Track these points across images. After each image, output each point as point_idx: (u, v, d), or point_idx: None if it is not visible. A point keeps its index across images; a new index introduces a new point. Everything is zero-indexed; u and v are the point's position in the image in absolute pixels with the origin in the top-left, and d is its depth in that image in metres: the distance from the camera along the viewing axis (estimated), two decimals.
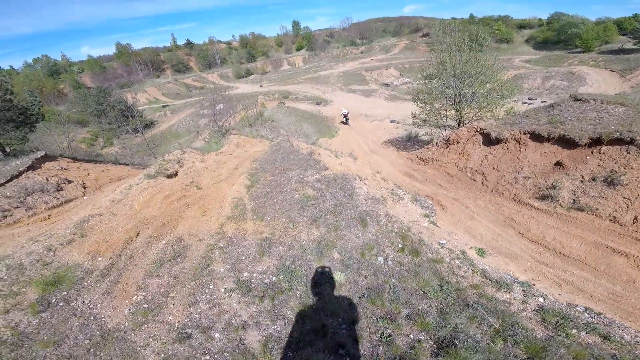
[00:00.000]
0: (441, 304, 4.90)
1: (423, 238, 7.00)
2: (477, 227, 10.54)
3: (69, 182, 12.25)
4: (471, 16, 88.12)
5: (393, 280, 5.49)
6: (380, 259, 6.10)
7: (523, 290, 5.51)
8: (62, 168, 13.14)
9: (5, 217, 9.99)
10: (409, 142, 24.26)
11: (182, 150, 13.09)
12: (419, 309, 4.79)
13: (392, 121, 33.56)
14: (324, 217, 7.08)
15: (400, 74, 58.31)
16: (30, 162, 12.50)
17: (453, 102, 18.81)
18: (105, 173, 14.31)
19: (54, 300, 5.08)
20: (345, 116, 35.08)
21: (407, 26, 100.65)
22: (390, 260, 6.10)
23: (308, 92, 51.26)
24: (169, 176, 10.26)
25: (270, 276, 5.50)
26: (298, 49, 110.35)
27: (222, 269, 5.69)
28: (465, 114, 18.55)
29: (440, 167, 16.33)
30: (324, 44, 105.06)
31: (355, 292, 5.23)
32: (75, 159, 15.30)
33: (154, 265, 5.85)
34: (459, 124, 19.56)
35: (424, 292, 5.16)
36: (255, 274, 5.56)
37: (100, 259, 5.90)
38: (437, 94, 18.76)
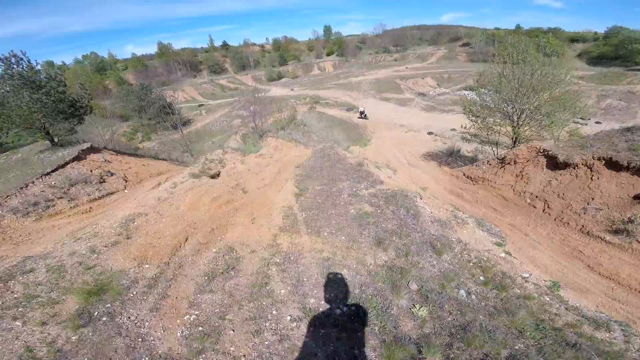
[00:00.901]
0: (539, 343, 4.34)
1: (504, 270, 6.15)
2: (541, 257, 9.67)
3: (112, 174, 12.17)
4: (518, 27, 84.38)
5: (480, 317, 4.79)
6: (462, 292, 5.31)
7: (622, 329, 4.90)
8: (105, 160, 13.14)
9: (48, 207, 9.91)
10: (450, 157, 22.86)
11: (223, 151, 12.75)
12: (516, 350, 4.20)
13: (430, 133, 32.11)
14: (389, 238, 6.35)
15: (437, 84, 56.43)
16: (77, 153, 12.57)
17: (510, 117, 17.31)
18: (146, 167, 14.22)
19: (96, 313, 4.52)
20: (362, 112, 37.23)
21: (446, 35, 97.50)
22: (474, 294, 5.30)
23: (339, 98, 50.75)
24: (212, 176, 9.82)
25: (341, 306, 4.76)
26: (329, 54, 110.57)
27: (282, 291, 5.04)
28: (524, 131, 17.01)
29: (493, 188, 15.02)
30: (356, 50, 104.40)
31: (442, 329, 4.50)
32: (118, 152, 15.40)
33: (206, 277, 5.26)
34: (514, 142, 17.99)
35: (520, 331, 4.54)
36: (322, 302, 4.84)
37: (147, 266, 5.37)
38: (494, 108, 17.34)
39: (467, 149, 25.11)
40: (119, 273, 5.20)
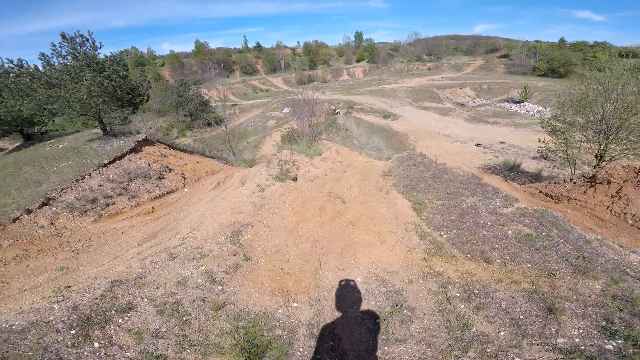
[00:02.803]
0: None
1: None
2: None
3: (170, 170, 11.21)
4: (561, 40, 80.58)
5: None
6: None
7: None
8: (161, 154, 12.23)
9: (108, 205, 8.87)
10: (512, 172, 20.82)
11: (290, 151, 11.50)
12: None
13: (478, 145, 30.07)
14: (582, 265, 5.08)
15: (476, 95, 53.91)
16: (133, 144, 11.69)
17: (598, 134, 15.47)
18: (200, 164, 13.25)
19: None
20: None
21: (483, 46, 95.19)
22: None
23: (374, 105, 49.30)
24: (293, 179, 8.55)
25: (606, 340, 3.51)
26: (358, 60, 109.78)
27: (502, 333, 3.74)
28: (613, 149, 15.16)
29: (584, 208, 13.21)
30: (387, 57, 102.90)
31: None
32: (170, 146, 14.53)
33: (378, 321, 3.84)
34: (599, 160, 16.03)
35: None
36: (576, 340, 3.58)
37: (295, 304, 4.01)
38: (578, 125, 15.74)
39: (527, 164, 23.10)
40: (263, 316, 3.82)
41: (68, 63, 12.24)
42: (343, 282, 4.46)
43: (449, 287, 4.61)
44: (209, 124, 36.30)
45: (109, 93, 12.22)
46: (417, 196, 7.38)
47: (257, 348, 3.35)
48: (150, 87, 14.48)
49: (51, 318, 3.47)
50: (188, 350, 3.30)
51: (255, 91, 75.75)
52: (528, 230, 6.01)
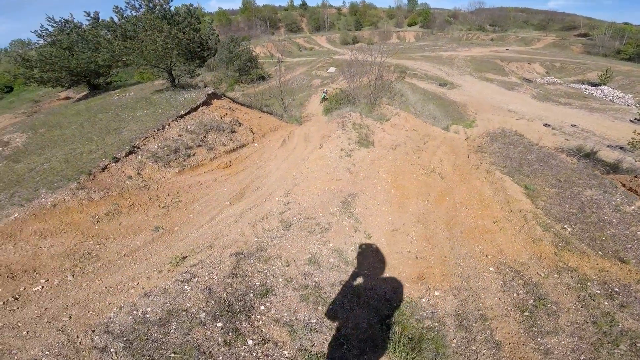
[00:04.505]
0: None
1: None
2: None
3: (240, 124, 11.16)
4: None
5: None
6: None
7: None
8: (230, 108, 12.16)
9: (189, 156, 8.94)
10: (587, 159, 18.57)
11: (359, 114, 10.86)
12: None
13: (547, 125, 27.17)
14: None
15: (546, 72, 48.05)
16: (205, 97, 11.66)
17: None
18: (263, 120, 13.14)
19: None
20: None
21: (558, 22, 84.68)
22: None
23: (428, 71, 45.76)
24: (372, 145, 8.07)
25: None
26: (410, 25, 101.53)
27: None
28: None
29: None
30: (444, 24, 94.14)
31: None
32: (234, 101, 14.45)
33: (526, 314, 3.62)
34: None
35: None
36: None
37: (436, 293, 3.80)
38: None
39: (603, 152, 20.54)
40: (407, 305, 3.60)
41: (142, 15, 12.04)
42: (477, 272, 4.13)
43: (588, 283, 4.28)
44: (262, 78, 35.92)
45: (183, 46, 12.02)
46: (525, 180, 6.73)
47: (410, 341, 3.10)
48: (218, 42, 14.07)
49: (188, 305, 3.00)
50: (345, 347, 2.87)
51: (299, 49, 73.54)
52: None
